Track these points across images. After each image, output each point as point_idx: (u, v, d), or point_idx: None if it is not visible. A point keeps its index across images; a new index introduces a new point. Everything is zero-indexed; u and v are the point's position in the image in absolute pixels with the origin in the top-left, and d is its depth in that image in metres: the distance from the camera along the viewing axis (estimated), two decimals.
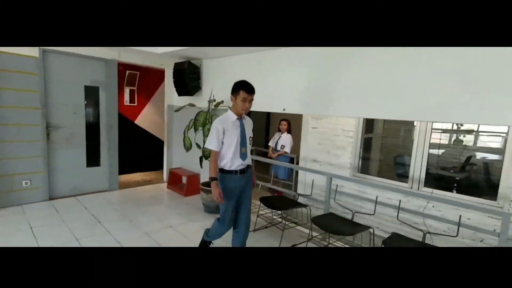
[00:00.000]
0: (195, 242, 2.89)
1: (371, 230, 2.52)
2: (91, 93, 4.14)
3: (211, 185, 2.19)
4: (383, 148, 4.39)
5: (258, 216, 3.36)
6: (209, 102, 3.71)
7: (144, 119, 5.75)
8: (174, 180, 4.88)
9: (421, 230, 2.53)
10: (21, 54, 3.45)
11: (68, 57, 3.87)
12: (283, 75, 3.23)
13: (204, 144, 3.60)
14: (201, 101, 4.17)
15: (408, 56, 2.27)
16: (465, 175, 3.74)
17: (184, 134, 3.77)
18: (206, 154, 3.61)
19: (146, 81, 5.59)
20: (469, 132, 3.93)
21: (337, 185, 3.03)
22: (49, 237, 2.88)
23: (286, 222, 3.36)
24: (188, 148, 3.77)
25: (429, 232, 2.51)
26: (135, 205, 3.93)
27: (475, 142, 3.97)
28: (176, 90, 4.44)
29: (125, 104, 5.45)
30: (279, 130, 4.59)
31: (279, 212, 3.68)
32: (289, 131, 4.52)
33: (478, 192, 3.52)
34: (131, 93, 5.50)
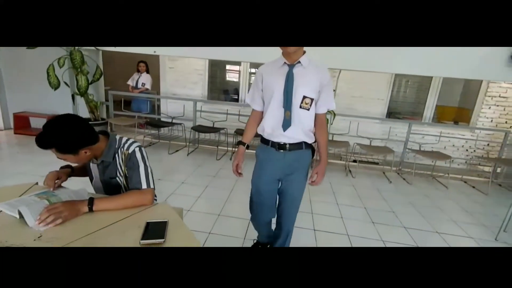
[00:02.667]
0: None
1: (224, 130, 4.31)
2: None
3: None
4: (218, 84, 6.21)
5: (144, 136, 4.32)
6: None
7: None
8: (22, 125, 4.52)
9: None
10: None
11: None
12: None
13: (78, 83, 3.87)
14: None
15: None
16: None
17: (48, 73, 3.77)
18: (81, 91, 3.91)
19: None
20: None
21: (201, 106, 4.53)
22: None
23: (170, 140, 4.57)
24: (55, 86, 3.84)
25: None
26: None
27: None
28: None
29: None
30: (138, 71, 5.25)
31: (156, 134, 4.78)
32: (147, 71, 5.29)
33: None
34: None
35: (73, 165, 1.44)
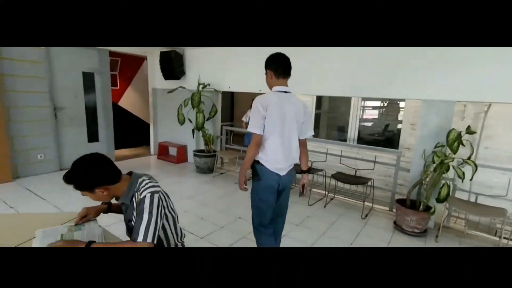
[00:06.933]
0: (199, 190, 3.92)
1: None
2: (88, 79, 4.68)
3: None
4: (328, 120, 5.82)
5: None
6: (199, 84, 4.59)
7: (126, 101, 6.31)
8: (163, 151, 5.68)
9: (353, 168, 3.94)
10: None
11: (68, 47, 4.35)
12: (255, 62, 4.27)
13: (196, 119, 4.51)
14: (185, 84, 5.00)
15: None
16: (384, 137, 5.35)
17: (178, 111, 4.61)
18: (199, 126, 4.53)
19: (126, 67, 6.12)
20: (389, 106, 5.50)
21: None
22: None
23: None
24: (182, 122, 4.63)
25: (358, 169, 3.92)
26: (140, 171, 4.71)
27: (392, 115, 5.56)
28: (163, 75, 5.17)
29: None
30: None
31: None
32: None
33: (391, 146, 5.11)
34: (113, 77, 6.00)
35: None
